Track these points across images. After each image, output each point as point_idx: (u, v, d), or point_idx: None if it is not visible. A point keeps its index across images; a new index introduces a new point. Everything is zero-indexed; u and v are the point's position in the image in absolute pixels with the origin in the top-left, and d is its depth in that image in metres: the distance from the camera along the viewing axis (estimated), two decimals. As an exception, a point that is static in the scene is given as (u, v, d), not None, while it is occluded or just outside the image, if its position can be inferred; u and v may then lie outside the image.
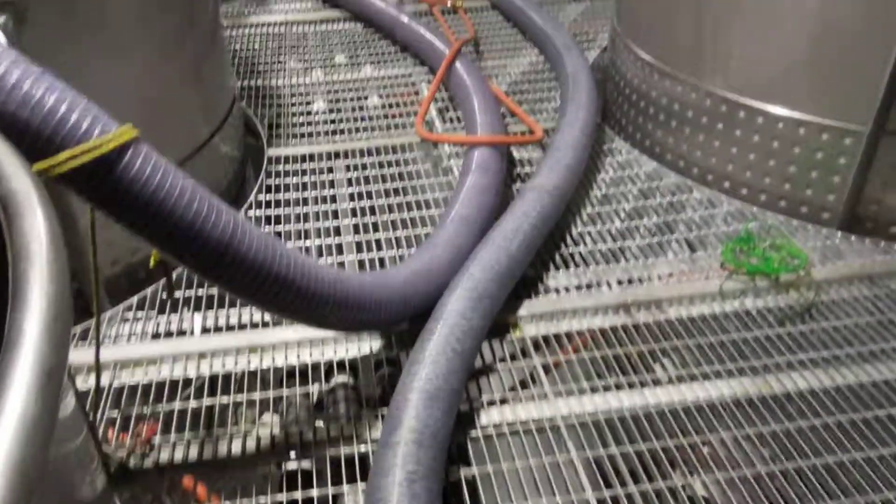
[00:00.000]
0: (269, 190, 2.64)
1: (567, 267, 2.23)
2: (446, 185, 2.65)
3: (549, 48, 3.37)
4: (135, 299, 2.14)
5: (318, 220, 2.51)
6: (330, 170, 2.79)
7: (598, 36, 3.77)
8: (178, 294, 2.16)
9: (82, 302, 2.13)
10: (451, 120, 3.07)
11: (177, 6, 2.27)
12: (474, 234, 2.15)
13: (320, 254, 2.35)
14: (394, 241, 2.40)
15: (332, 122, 3.13)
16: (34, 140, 1.20)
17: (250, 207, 2.53)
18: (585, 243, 2.33)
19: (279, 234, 2.44)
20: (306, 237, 2.43)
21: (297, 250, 1.58)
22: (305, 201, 2.60)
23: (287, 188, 2.67)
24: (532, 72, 3.46)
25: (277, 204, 2.58)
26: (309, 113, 3.21)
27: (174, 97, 2.32)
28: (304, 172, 2.77)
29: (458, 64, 3.12)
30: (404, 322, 1.95)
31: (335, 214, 2.55)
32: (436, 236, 2.11)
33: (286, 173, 2.76)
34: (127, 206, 1.30)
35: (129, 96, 2.09)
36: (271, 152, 2.86)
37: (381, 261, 2.33)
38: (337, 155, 2.87)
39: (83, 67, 1.92)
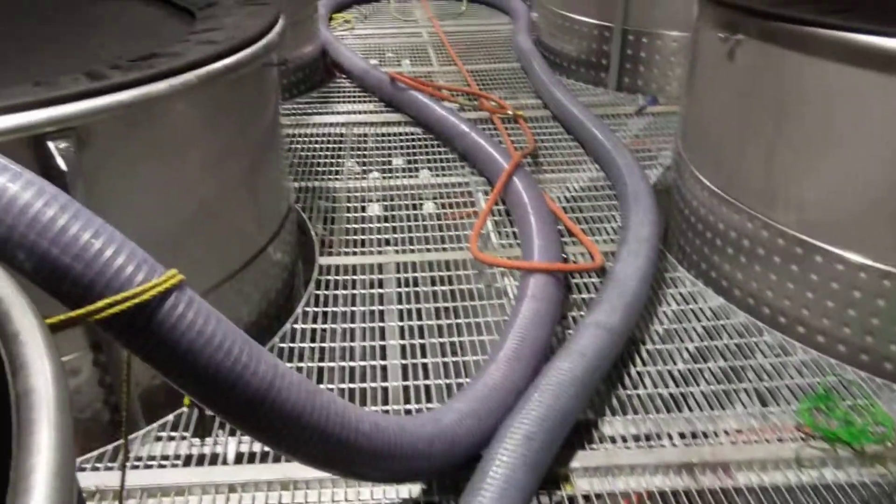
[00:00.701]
0: (317, 302, 2.58)
1: (624, 412, 2.08)
2: (499, 309, 2.55)
3: (610, 165, 3.31)
4: (171, 417, 2.06)
5: (364, 338, 2.43)
6: (380, 283, 2.72)
7: (660, 153, 3.69)
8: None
9: (118, 417, 2.07)
10: (508, 235, 3.00)
11: (236, 109, 2.24)
12: (527, 371, 2.03)
13: (364, 378, 2.25)
14: (441, 368, 2.30)
15: (386, 230, 3.09)
16: (74, 285, 1.15)
17: (296, 321, 2.47)
18: (645, 385, 2.18)
19: (323, 350, 2.36)
20: (351, 357, 2.35)
21: (337, 397, 1.49)
22: (353, 317, 2.53)
23: (336, 300, 2.61)
24: (592, 188, 3.39)
25: (324, 318, 2.51)
26: (363, 219, 3.18)
27: (230, 205, 2.29)
28: (353, 284, 2.71)
29: (516, 178, 3.07)
30: (448, 470, 1.81)
31: (382, 333, 2.46)
32: (485, 373, 1.99)
33: (336, 284, 2.70)
34: (165, 353, 1.24)
35: (183, 206, 2.07)
36: (322, 261, 2.82)
37: (428, 389, 2.22)
38: (388, 268, 2.81)
39: (139, 179, 1.91)
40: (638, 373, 2.24)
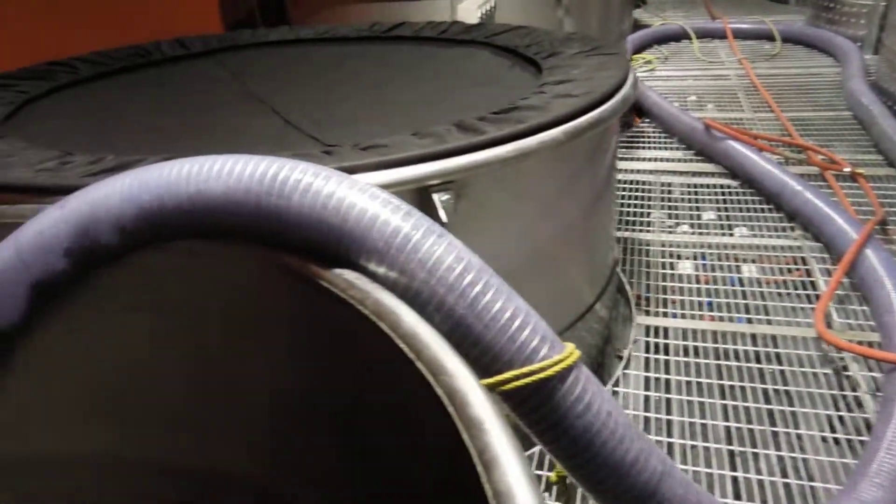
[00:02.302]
0: (635, 364, 2.45)
1: None
2: (854, 404, 2.20)
3: None
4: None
5: (682, 413, 2.24)
6: (702, 352, 2.51)
7: None
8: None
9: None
10: (855, 314, 2.61)
11: (584, 160, 2.18)
12: (909, 494, 1.71)
13: (684, 459, 2.07)
14: (788, 462, 2.03)
15: (703, 292, 2.87)
16: (483, 353, 1.14)
17: (616, 383, 2.36)
18: None
19: (647, 420, 2.22)
20: (669, 432, 2.18)
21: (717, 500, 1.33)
22: (669, 386, 2.36)
23: (656, 365, 2.45)
24: (963, 269, 2.85)
25: (644, 383, 2.37)
26: (679, 277, 2.99)
27: (570, 260, 2.25)
28: (667, 349, 2.53)
29: (869, 250, 2.68)
30: None
31: (703, 411, 2.25)
32: (857, 489, 1.71)
33: (654, 347, 2.55)
34: (559, 431, 1.18)
35: (529, 259, 2.06)
36: (640, 320, 2.68)
37: (762, 485, 1.97)
38: (709, 335, 2.59)
39: (493, 231, 1.93)
40: None
